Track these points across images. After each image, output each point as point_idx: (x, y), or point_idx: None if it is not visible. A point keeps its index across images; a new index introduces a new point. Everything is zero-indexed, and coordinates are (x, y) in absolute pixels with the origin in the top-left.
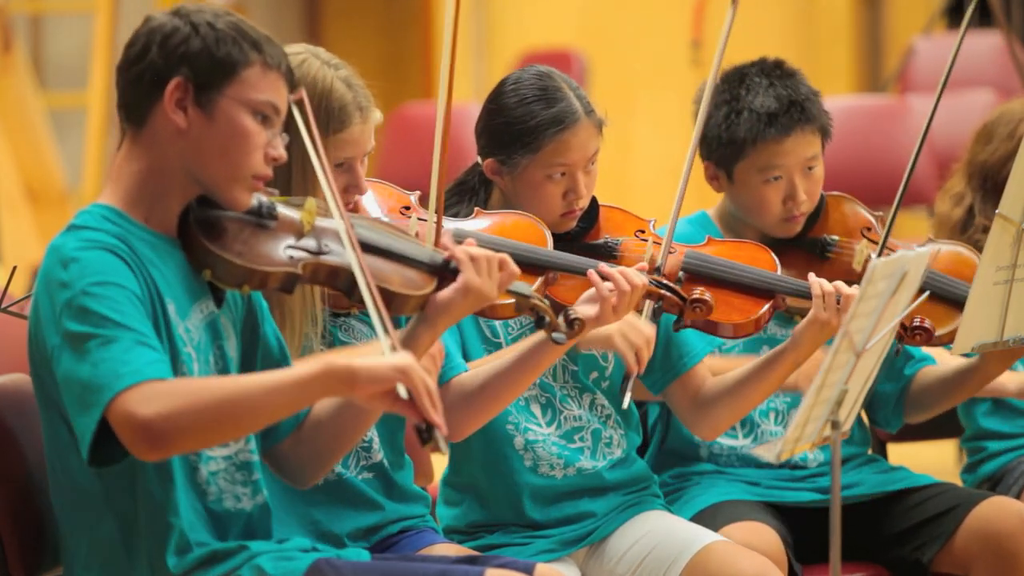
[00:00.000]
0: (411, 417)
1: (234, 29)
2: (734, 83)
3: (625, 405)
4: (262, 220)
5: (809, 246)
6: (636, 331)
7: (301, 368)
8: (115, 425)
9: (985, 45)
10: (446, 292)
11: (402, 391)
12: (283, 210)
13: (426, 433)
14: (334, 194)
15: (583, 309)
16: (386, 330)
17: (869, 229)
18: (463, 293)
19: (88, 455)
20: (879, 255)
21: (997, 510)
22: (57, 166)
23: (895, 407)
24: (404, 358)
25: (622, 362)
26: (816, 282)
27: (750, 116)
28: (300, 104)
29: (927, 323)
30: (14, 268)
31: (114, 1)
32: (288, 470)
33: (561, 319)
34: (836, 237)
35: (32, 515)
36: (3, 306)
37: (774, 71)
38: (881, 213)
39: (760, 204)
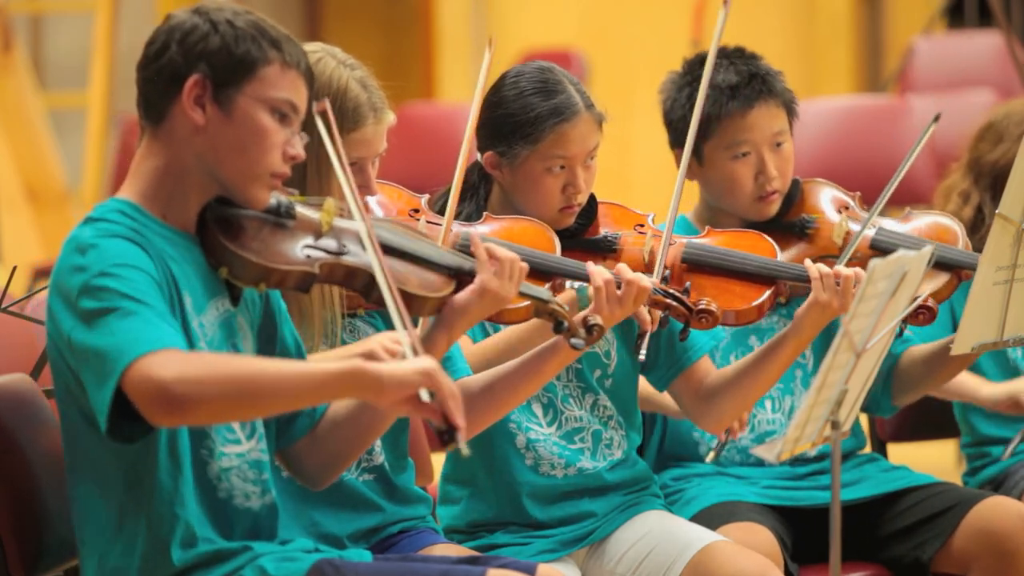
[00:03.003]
0: (433, 419)
1: (253, 27)
2: (695, 66)
3: (642, 358)
4: (280, 219)
5: (787, 228)
6: (639, 278)
7: (330, 365)
8: (131, 389)
9: (985, 45)
10: (463, 294)
11: (424, 395)
12: (302, 210)
13: (447, 435)
14: (356, 198)
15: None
16: (407, 331)
17: (846, 208)
18: (480, 295)
19: (106, 429)
20: (860, 231)
21: (997, 509)
22: (57, 166)
23: (883, 388)
24: (427, 362)
25: (636, 322)
26: (812, 265)
27: (712, 92)
28: (324, 115)
29: (930, 302)
30: (14, 268)
31: (114, 1)
32: (302, 470)
33: (580, 324)
34: (814, 216)
35: (32, 515)
36: (3, 306)
37: (734, 53)
38: (858, 192)
39: (732, 183)
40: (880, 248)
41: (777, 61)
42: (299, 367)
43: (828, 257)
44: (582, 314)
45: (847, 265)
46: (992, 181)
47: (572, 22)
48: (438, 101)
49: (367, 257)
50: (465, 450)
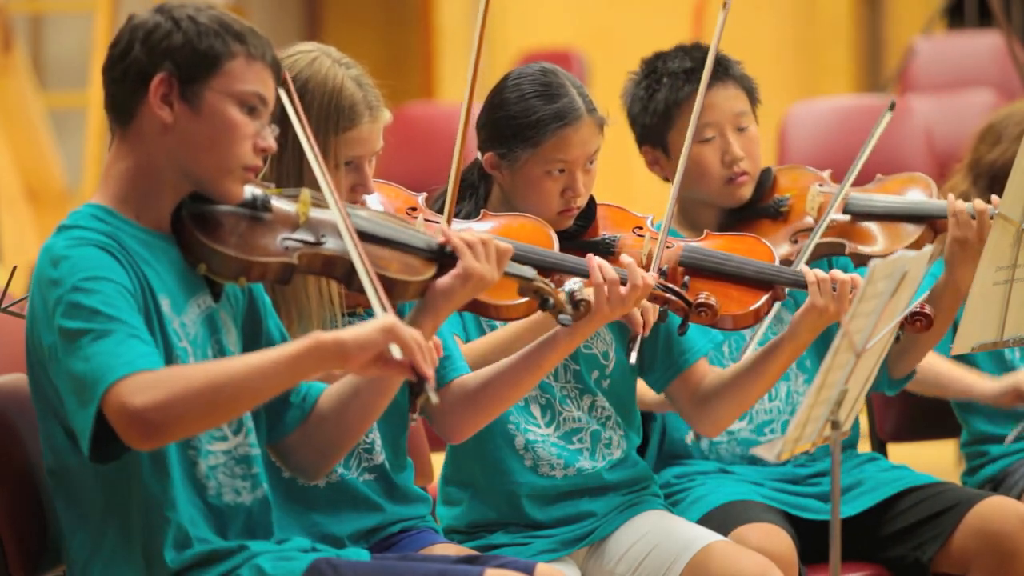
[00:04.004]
0: (403, 374)
1: (216, 22)
2: (651, 62)
3: (633, 361)
4: (256, 212)
5: (763, 212)
6: (639, 277)
7: (290, 345)
8: (110, 417)
9: (985, 45)
10: (446, 278)
11: (395, 351)
12: (278, 202)
13: (417, 386)
14: (327, 179)
15: (589, 291)
16: (384, 309)
17: (821, 185)
18: (463, 278)
19: (89, 451)
20: (834, 204)
21: (996, 509)
22: (57, 166)
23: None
24: (387, 318)
25: (627, 326)
26: (809, 271)
27: (669, 79)
28: (285, 85)
29: (927, 308)
30: (14, 268)
31: (114, 1)
32: (295, 463)
33: (567, 300)
34: (787, 195)
35: (32, 515)
36: (3, 306)
37: (689, 47)
38: (830, 170)
39: (699, 167)
40: (853, 212)
41: (777, 61)
42: (263, 357)
43: (807, 231)
44: (568, 288)
45: (824, 233)
46: (989, 182)
47: (572, 22)
48: (438, 101)
49: (345, 244)
50: (435, 399)
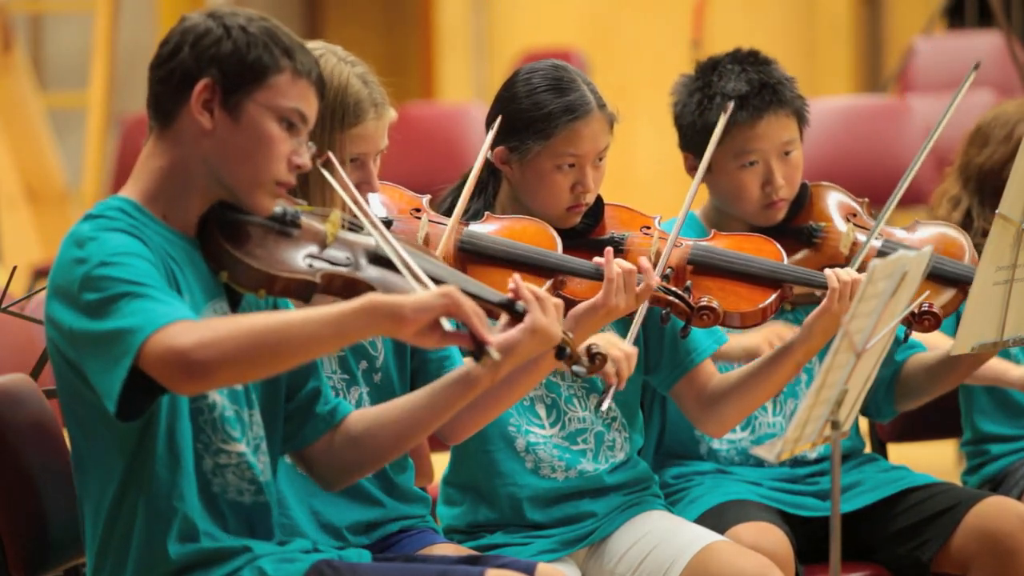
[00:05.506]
0: (460, 344)
1: (267, 34)
2: (707, 71)
3: (604, 408)
4: (285, 227)
5: (795, 234)
6: (615, 346)
7: (343, 304)
8: (151, 363)
9: (985, 45)
10: (513, 332)
11: (445, 323)
12: (307, 220)
13: (478, 352)
14: (377, 226)
15: (606, 346)
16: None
17: (854, 215)
18: (530, 333)
19: (116, 408)
20: (867, 241)
21: (996, 509)
22: (57, 166)
23: (886, 394)
24: (445, 286)
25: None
26: (832, 275)
27: (722, 101)
28: (328, 165)
29: (935, 308)
30: (14, 268)
31: (114, 1)
32: (318, 471)
33: (583, 352)
34: (822, 224)
35: (32, 515)
36: (3, 306)
37: (747, 58)
38: (866, 199)
39: (738, 191)
40: None
41: (777, 61)
42: (314, 312)
43: (834, 267)
44: (586, 343)
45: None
46: (979, 185)
47: (572, 22)
48: (438, 101)
49: (370, 271)
50: (497, 356)
